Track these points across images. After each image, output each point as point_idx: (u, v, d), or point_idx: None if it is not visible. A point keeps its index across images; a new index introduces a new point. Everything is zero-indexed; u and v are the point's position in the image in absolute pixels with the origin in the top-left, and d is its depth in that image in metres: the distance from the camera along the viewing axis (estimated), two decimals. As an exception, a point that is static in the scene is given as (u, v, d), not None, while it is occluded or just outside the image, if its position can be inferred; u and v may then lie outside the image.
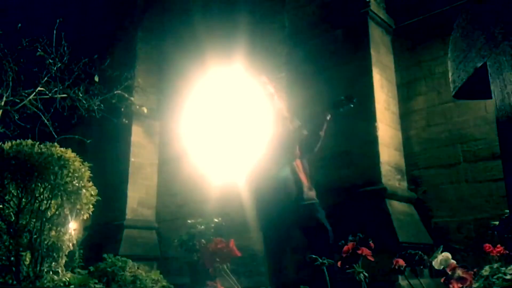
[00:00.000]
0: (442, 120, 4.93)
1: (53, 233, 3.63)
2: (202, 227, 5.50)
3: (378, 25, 5.17)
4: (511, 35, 1.00)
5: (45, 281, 3.43)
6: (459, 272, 1.57)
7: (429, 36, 5.18)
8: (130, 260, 4.80)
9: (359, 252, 1.53)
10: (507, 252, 2.80)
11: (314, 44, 5.33)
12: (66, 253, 3.74)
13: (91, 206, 3.95)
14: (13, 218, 3.55)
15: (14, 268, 3.36)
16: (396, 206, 4.50)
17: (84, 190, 3.84)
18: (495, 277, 2.64)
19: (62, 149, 3.88)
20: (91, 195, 3.94)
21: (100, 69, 6.24)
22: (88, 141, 6.65)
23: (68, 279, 3.66)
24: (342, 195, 4.58)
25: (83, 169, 3.89)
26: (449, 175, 4.77)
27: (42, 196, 3.63)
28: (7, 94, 5.31)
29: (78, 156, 3.97)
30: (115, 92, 6.30)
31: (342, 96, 2.88)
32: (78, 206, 3.82)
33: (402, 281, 3.86)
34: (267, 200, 2.93)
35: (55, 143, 3.95)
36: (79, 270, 4.65)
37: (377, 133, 4.60)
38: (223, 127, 6.94)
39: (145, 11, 8.95)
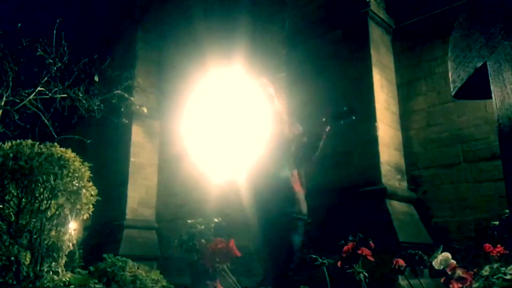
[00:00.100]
0: (442, 120, 4.93)
1: (53, 233, 3.63)
2: (202, 227, 5.50)
3: (378, 25, 5.17)
4: (511, 34, 1.00)
5: (45, 281, 3.43)
6: (459, 272, 1.57)
7: (429, 36, 5.18)
8: (130, 260, 4.80)
9: (359, 252, 1.53)
10: (507, 252, 2.80)
11: (314, 44, 5.33)
12: (66, 253, 3.74)
13: (91, 206, 3.95)
14: (13, 218, 3.55)
15: (14, 268, 3.36)
16: (396, 206, 4.50)
17: (84, 190, 3.84)
18: (495, 277, 2.64)
19: (62, 149, 3.88)
20: (91, 195, 3.93)
21: (100, 69, 6.25)
22: (88, 141, 6.65)
23: (68, 279, 3.66)
24: (342, 195, 4.58)
25: (83, 169, 3.89)
26: (449, 175, 4.77)
27: (42, 196, 3.63)
28: (7, 94, 5.31)
29: (78, 156, 3.97)
30: (115, 92, 6.30)
31: (345, 106, 2.79)
32: (78, 206, 3.81)
33: (402, 281, 3.86)
34: (264, 202, 2.90)
35: (55, 143, 3.95)
36: (79, 270, 4.65)
37: (377, 133, 4.60)
38: (223, 127, 6.94)
39: (145, 11, 8.95)
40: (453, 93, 1.35)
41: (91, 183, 3.98)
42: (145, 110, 7.91)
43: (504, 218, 2.82)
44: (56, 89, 5.64)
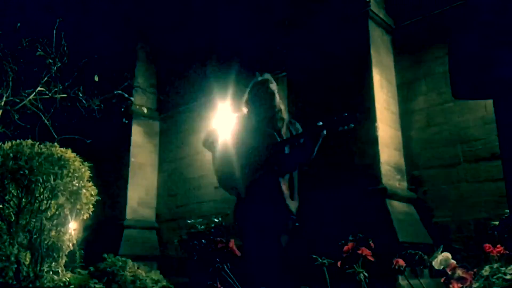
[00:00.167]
0: (442, 120, 4.93)
1: (53, 233, 3.63)
2: (202, 227, 5.50)
3: (378, 25, 5.17)
4: (507, 35, 1.00)
5: (45, 281, 3.43)
6: (459, 272, 1.57)
7: (429, 36, 5.17)
8: (130, 260, 4.81)
9: (359, 252, 1.53)
10: (507, 252, 2.80)
11: (313, 44, 5.33)
12: (66, 253, 3.74)
13: (91, 206, 3.95)
14: (13, 218, 3.56)
15: (14, 268, 3.36)
16: (396, 206, 4.50)
17: (84, 190, 3.85)
18: (495, 277, 2.64)
19: (62, 149, 3.88)
20: (91, 195, 3.94)
21: (100, 69, 6.25)
22: (88, 141, 6.65)
23: (68, 279, 3.67)
24: (342, 195, 4.58)
25: (83, 169, 3.90)
26: (449, 175, 4.77)
27: (42, 196, 3.64)
28: (7, 94, 5.31)
29: (78, 156, 3.98)
30: (115, 92, 6.30)
31: (345, 112, 2.70)
32: (78, 206, 3.82)
33: (402, 281, 3.85)
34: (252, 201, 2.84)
35: (55, 143, 3.96)
36: (79, 270, 4.65)
37: (377, 133, 4.60)
38: (223, 127, 6.93)
39: (146, 10, 8.95)
40: (453, 92, 1.35)
41: (91, 183, 3.99)
42: (145, 110, 7.91)
43: (504, 218, 2.82)
44: (56, 89, 5.65)
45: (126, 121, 7.18)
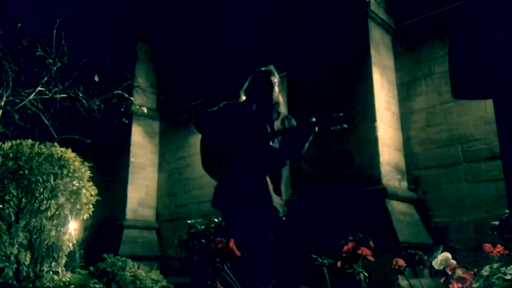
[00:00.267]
0: (442, 120, 4.93)
1: (53, 233, 3.63)
2: (202, 227, 5.49)
3: (378, 25, 5.17)
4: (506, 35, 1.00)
5: (45, 281, 3.43)
6: (459, 272, 1.57)
7: (429, 36, 5.18)
8: (130, 260, 4.81)
9: (359, 252, 1.53)
10: (507, 252, 2.80)
11: (313, 44, 5.33)
12: (66, 253, 3.74)
13: (91, 206, 3.95)
14: (13, 218, 3.56)
15: (14, 268, 3.36)
16: (396, 206, 4.50)
17: (84, 190, 3.85)
18: (495, 277, 2.64)
19: (62, 149, 3.88)
20: (91, 195, 3.94)
21: (100, 69, 6.25)
22: (88, 141, 6.65)
23: (68, 279, 3.67)
24: (342, 195, 4.58)
25: (83, 169, 3.90)
26: (449, 175, 4.77)
27: (42, 196, 3.64)
28: (7, 94, 5.31)
29: (78, 156, 3.98)
30: (115, 92, 6.30)
31: (340, 112, 2.64)
32: (78, 206, 3.82)
33: (402, 281, 3.86)
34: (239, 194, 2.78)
35: (55, 143, 3.96)
36: (79, 270, 4.66)
37: (377, 133, 4.60)
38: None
39: (146, 10, 8.95)
40: (453, 92, 1.35)
41: (91, 183, 3.99)
42: (145, 110, 7.91)
43: (504, 218, 2.82)
44: (56, 89, 5.65)
45: (126, 121, 7.18)
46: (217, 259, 1.48)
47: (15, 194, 3.63)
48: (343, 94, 4.89)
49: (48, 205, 3.66)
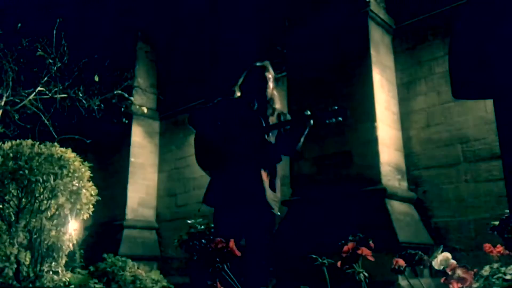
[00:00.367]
0: (442, 120, 4.93)
1: (53, 233, 3.63)
2: (202, 227, 5.49)
3: (378, 25, 5.17)
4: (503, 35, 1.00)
5: (45, 281, 3.43)
6: (459, 272, 1.57)
7: (429, 36, 5.18)
8: (130, 260, 4.81)
9: (359, 252, 1.53)
10: (507, 252, 2.80)
11: (313, 44, 5.33)
12: (66, 253, 3.74)
13: (91, 206, 3.95)
14: (13, 218, 3.56)
15: (14, 268, 3.36)
16: (396, 206, 4.50)
17: (84, 190, 3.85)
18: (495, 277, 2.64)
19: (62, 149, 3.88)
20: (91, 195, 3.94)
21: (100, 69, 6.25)
22: (88, 141, 6.66)
23: (68, 279, 3.67)
24: (342, 195, 4.58)
25: (83, 169, 3.90)
26: (449, 175, 4.77)
27: (42, 196, 3.64)
28: (7, 94, 5.31)
29: (78, 156, 3.98)
30: (115, 92, 6.30)
31: (336, 105, 2.58)
32: (78, 206, 3.82)
33: (402, 281, 3.86)
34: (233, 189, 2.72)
35: (55, 143, 3.96)
36: (79, 270, 4.66)
37: (377, 133, 4.60)
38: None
39: (146, 10, 8.95)
40: (453, 92, 1.35)
41: (91, 183, 3.99)
42: (145, 110, 7.92)
43: (504, 218, 2.82)
44: (56, 89, 5.65)
45: (126, 121, 7.18)
46: (217, 259, 1.48)
47: (15, 194, 3.63)
48: (343, 94, 4.89)
49: (48, 205, 3.66)
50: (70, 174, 3.76)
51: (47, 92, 5.66)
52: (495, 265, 2.75)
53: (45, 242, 3.55)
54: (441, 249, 1.72)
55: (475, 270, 1.75)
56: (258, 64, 2.97)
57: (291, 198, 5.06)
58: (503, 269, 2.68)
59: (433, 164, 4.90)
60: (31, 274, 3.41)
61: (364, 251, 1.54)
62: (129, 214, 7.95)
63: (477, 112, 4.67)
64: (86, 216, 3.96)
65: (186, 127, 8.13)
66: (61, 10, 7.41)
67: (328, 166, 4.84)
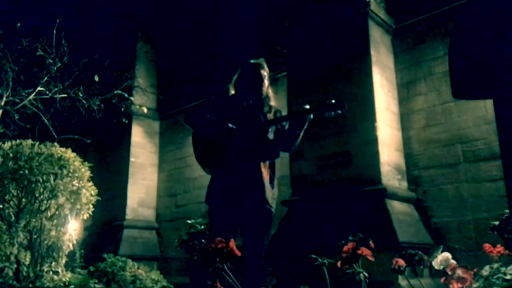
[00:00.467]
0: (442, 120, 4.93)
1: (53, 233, 3.63)
2: (202, 227, 5.49)
3: (378, 25, 5.17)
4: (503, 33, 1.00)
5: (45, 281, 3.43)
6: (459, 272, 1.57)
7: (429, 36, 5.18)
8: (130, 260, 4.81)
9: (359, 252, 1.53)
10: (507, 252, 2.80)
11: (313, 43, 5.33)
12: (66, 253, 3.74)
13: (91, 206, 3.95)
14: (13, 218, 3.56)
15: (14, 268, 3.36)
16: (396, 206, 4.50)
17: (84, 190, 3.85)
18: (495, 277, 2.64)
19: (62, 149, 3.88)
20: (91, 195, 3.94)
21: (100, 69, 6.25)
22: (88, 141, 6.66)
23: (68, 279, 3.67)
24: (342, 195, 4.58)
25: (83, 169, 3.90)
26: (449, 175, 4.77)
27: (42, 196, 3.64)
28: (7, 94, 5.31)
29: (78, 156, 3.98)
30: (115, 92, 6.30)
31: (333, 99, 2.56)
32: (78, 206, 3.82)
33: (402, 281, 3.86)
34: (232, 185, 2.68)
35: (55, 143, 3.96)
36: (79, 270, 4.66)
37: (377, 133, 4.60)
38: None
39: (146, 10, 8.95)
40: (453, 92, 1.35)
41: (91, 183, 3.99)
42: (145, 110, 7.92)
43: (504, 218, 2.82)
44: (56, 89, 5.65)
45: (126, 121, 7.18)
46: (217, 259, 1.48)
47: (15, 194, 3.63)
48: (343, 94, 4.88)
49: (48, 205, 3.67)
50: (70, 174, 3.76)
51: (47, 92, 5.66)
52: (495, 265, 2.74)
53: (45, 242, 3.55)
54: (441, 249, 1.72)
55: (475, 270, 1.75)
56: (252, 61, 2.92)
57: (291, 198, 5.05)
58: (503, 269, 2.67)
59: (433, 164, 4.90)
60: (31, 274, 3.41)
61: (364, 251, 1.53)
62: (129, 214, 7.95)
63: (477, 112, 4.67)
64: (86, 216, 3.96)
65: (186, 127, 8.14)
66: (61, 10, 7.41)
67: (328, 166, 4.84)
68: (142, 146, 8.44)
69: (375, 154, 4.55)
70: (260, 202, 2.63)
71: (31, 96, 5.50)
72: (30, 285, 3.34)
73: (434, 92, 5.04)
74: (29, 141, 3.82)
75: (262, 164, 2.69)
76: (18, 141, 3.82)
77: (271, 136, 2.75)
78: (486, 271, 2.72)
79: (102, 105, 6.10)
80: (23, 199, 3.58)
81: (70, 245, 3.74)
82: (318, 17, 5.36)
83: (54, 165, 3.66)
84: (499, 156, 4.24)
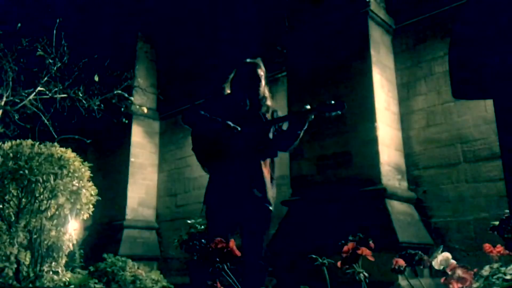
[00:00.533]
0: (442, 120, 4.93)
1: (53, 233, 3.63)
2: (202, 227, 5.49)
3: (378, 25, 5.17)
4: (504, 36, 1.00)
5: (45, 281, 3.43)
6: (459, 272, 1.57)
7: (429, 36, 5.18)
8: (130, 260, 4.81)
9: (359, 252, 1.53)
10: (507, 252, 2.80)
11: (313, 44, 5.34)
12: (66, 253, 3.74)
13: (91, 206, 3.95)
14: (13, 218, 3.56)
15: (14, 268, 3.36)
16: (396, 206, 4.50)
17: (84, 190, 3.85)
18: (495, 277, 2.64)
19: (62, 149, 3.88)
20: (91, 195, 3.94)
21: (100, 69, 6.25)
22: (88, 141, 6.66)
23: (68, 279, 3.67)
24: (342, 195, 4.58)
25: (83, 169, 3.90)
26: (449, 175, 4.77)
27: (42, 196, 3.64)
28: (7, 94, 5.31)
29: (78, 156, 3.98)
30: (115, 92, 6.30)
31: (333, 100, 2.56)
32: (78, 206, 3.82)
33: (402, 281, 3.86)
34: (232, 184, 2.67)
35: (55, 143, 3.96)
36: (79, 270, 4.66)
37: (377, 133, 4.60)
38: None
39: (146, 10, 8.95)
40: (453, 92, 1.35)
41: (91, 183, 3.99)
42: (145, 110, 7.91)
43: (504, 218, 2.82)
44: (56, 89, 5.65)
45: (126, 121, 7.18)
46: (217, 259, 1.48)
47: (15, 194, 3.63)
48: (343, 94, 4.88)
49: (48, 205, 3.67)
50: (70, 174, 3.76)
51: (47, 92, 5.66)
52: (495, 265, 2.74)
53: (45, 242, 3.55)
54: (441, 249, 1.72)
55: (475, 270, 1.75)
56: (248, 60, 2.91)
57: (291, 198, 5.06)
58: (503, 269, 2.67)
59: (433, 164, 4.90)
60: (31, 274, 3.41)
61: (364, 251, 1.53)
62: (129, 214, 7.95)
63: (477, 112, 4.67)
64: (86, 216, 3.96)
65: (186, 127, 8.14)
66: (62, 10, 7.41)
67: (328, 166, 4.84)
68: (142, 146, 8.44)
69: (375, 154, 4.55)
70: (262, 201, 2.63)
71: (31, 96, 5.50)
72: (30, 285, 3.34)
73: (434, 92, 5.04)
74: (29, 141, 3.82)
75: (262, 163, 2.69)
76: (18, 141, 3.82)
77: (270, 135, 2.75)
78: (486, 271, 2.72)
79: (102, 105, 6.10)
80: (23, 199, 3.58)
81: (70, 245, 3.74)
82: (318, 17, 5.36)
83: (54, 165, 3.66)
84: (499, 156, 4.24)
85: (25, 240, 3.50)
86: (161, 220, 8.25)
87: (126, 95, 6.44)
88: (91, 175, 4.02)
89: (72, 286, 3.70)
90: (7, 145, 3.76)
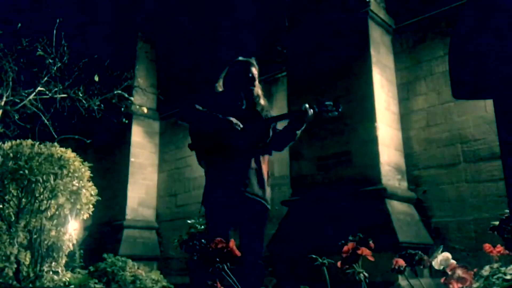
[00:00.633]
0: (442, 120, 4.93)
1: (53, 233, 3.63)
2: (202, 227, 5.49)
3: (378, 25, 5.17)
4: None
5: (45, 281, 3.43)
6: (459, 272, 1.57)
7: (429, 36, 5.18)
8: (130, 260, 4.81)
9: (359, 252, 1.53)
10: (507, 252, 2.80)
11: (313, 43, 5.33)
12: (66, 253, 3.75)
13: (91, 206, 3.96)
14: (13, 218, 3.56)
15: (14, 268, 3.37)
16: (396, 206, 4.50)
17: (84, 190, 3.85)
18: (495, 277, 2.64)
19: (62, 149, 3.89)
20: (91, 195, 3.95)
21: (100, 69, 6.25)
22: (88, 141, 6.66)
23: (68, 279, 3.67)
24: (342, 195, 4.58)
25: (83, 169, 3.90)
26: (449, 175, 4.77)
27: (42, 196, 3.64)
28: (7, 94, 5.31)
29: (78, 156, 3.98)
30: (115, 92, 6.30)
31: (332, 100, 2.56)
32: (78, 206, 3.83)
33: (402, 281, 3.86)
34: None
35: (55, 143, 3.96)
36: (79, 270, 4.66)
37: (377, 133, 4.60)
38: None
39: (146, 10, 8.95)
40: (453, 92, 1.35)
41: (91, 183, 3.99)
42: (145, 110, 7.92)
43: (504, 218, 2.82)
44: (56, 89, 5.65)
45: (126, 121, 7.18)
46: (217, 259, 1.48)
47: (15, 194, 3.63)
48: (343, 94, 4.88)
49: (48, 205, 3.67)
50: (70, 174, 3.76)
51: (47, 92, 5.66)
52: (495, 265, 2.75)
53: (45, 242, 3.56)
54: (441, 249, 1.72)
55: (475, 270, 1.75)
56: (241, 58, 2.89)
57: (291, 198, 5.06)
58: (503, 269, 2.67)
59: (433, 164, 4.90)
60: (31, 274, 3.41)
61: (364, 251, 1.53)
62: (129, 214, 7.95)
63: (477, 112, 4.67)
64: (86, 216, 3.96)
65: (186, 127, 8.14)
66: (62, 10, 7.41)
67: (328, 166, 4.84)
68: (142, 146, 8.44)
69: (375, 154, 4.55)
70: (260, 200, 2.63)
71: (31, 96, 5.50)
72: (30, 285, 3.34)
73: (434, 92, 5.04)
74: (29, 141, 3.83)
75: (262, 161, 2.68)
76: (18, 141, 3.82)
77: (271, 133, 2.74)
78: (486, 271, 2.72)
79: (102, 105, 6.10)
80: (23, 199, 3.58)
81: (70, 245, 3.75)
82: (318, 17, 5.36)
83: (54, 165, 3.66)
84: (499, 156, 4.24)
85: (25, 240, 3.50)
86: (161, 220, 8.25)
87: (126, 95, 6.44)
88: (91, 175, 4.02)
89: (72, 286, 3.70)
90: (7, 145, 3.76)
